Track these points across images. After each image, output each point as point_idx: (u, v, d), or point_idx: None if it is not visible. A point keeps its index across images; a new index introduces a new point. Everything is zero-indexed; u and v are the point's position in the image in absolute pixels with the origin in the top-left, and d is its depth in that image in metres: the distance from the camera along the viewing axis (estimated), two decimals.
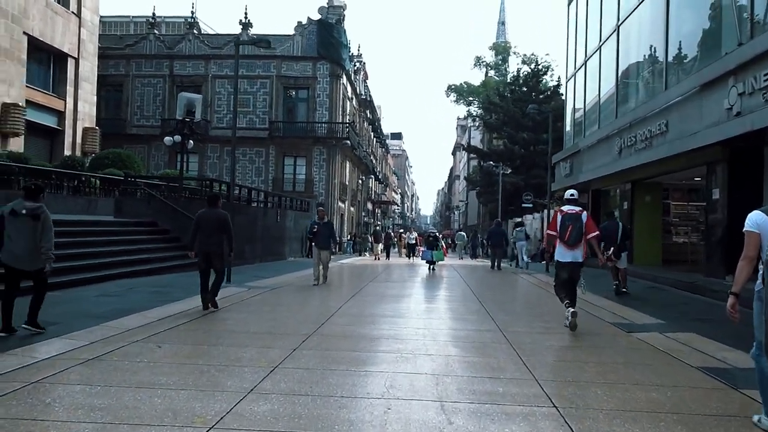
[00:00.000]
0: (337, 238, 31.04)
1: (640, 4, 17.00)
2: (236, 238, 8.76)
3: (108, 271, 10.35)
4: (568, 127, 25.56)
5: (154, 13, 37.95)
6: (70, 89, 25.65)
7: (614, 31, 19.04)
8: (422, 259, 21.85)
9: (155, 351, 5.48)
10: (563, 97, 39.35)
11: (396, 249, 32.22)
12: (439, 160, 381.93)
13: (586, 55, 22.54)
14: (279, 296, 10.29)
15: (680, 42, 14.47)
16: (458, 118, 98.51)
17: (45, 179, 16.66)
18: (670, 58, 14.75)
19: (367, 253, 33.08)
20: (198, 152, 35.25)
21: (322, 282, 12.25)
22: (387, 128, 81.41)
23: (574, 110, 24.52)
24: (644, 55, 17.11)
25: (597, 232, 7.57)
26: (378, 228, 38.02)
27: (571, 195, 7.62)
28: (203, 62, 36.18)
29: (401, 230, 47.25)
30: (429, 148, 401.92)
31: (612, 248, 10.96)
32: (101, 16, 39.26)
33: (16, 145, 21.74)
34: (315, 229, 12.45)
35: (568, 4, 25.62)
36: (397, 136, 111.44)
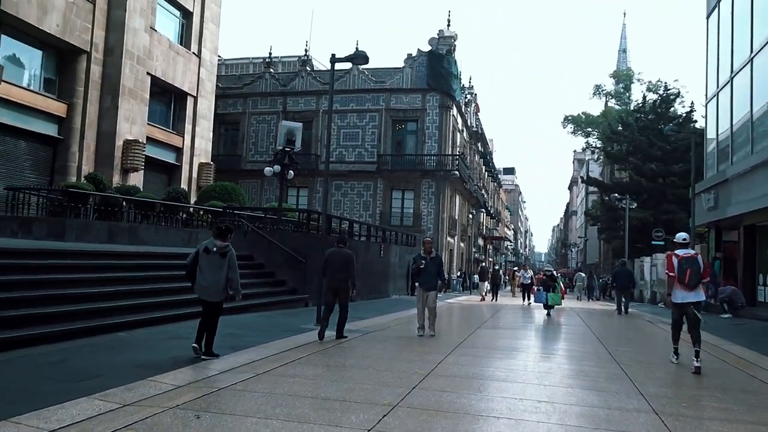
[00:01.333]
0: (446, 276, 29.31)
1: None
2: None
3: (187, 309, 9.53)
4: (709, 155, 22.31)
5: (270, 53, 39.40)
6: (188, 126, 26.63)
7: None
8: (536, 301, 19.61)
9: (188, 425, 4.23)
10: (696, 125, 35.51)
11: (508, 288, 29.95)
12: (554, 195, 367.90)
13: (731, 71, 19.53)
14: (370, 344, 8.88)
15: None
16: (575, 152, 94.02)
17: (151, 211, 16.80)
18: None
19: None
20: (307, 186, 35.52)
21: (428, 332, 10.12)
22: (499, 162, 78.96)
23: (717, 134, 21.34)
24: None
25: (708, 278, 8.03)
26: (484, 265, 35.83)
27: (684, 239, 8.06)
28: (314, 98, 36.68)
29: (515, 268, 44.50)
30: (543, 183, 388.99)
31: None
32: (223, 59, 41.65)
33: (136, 179, 22.62)
34: (421, 266, 10.17)
35: (707, 17, 22.69)
36: (510, 171, 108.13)
